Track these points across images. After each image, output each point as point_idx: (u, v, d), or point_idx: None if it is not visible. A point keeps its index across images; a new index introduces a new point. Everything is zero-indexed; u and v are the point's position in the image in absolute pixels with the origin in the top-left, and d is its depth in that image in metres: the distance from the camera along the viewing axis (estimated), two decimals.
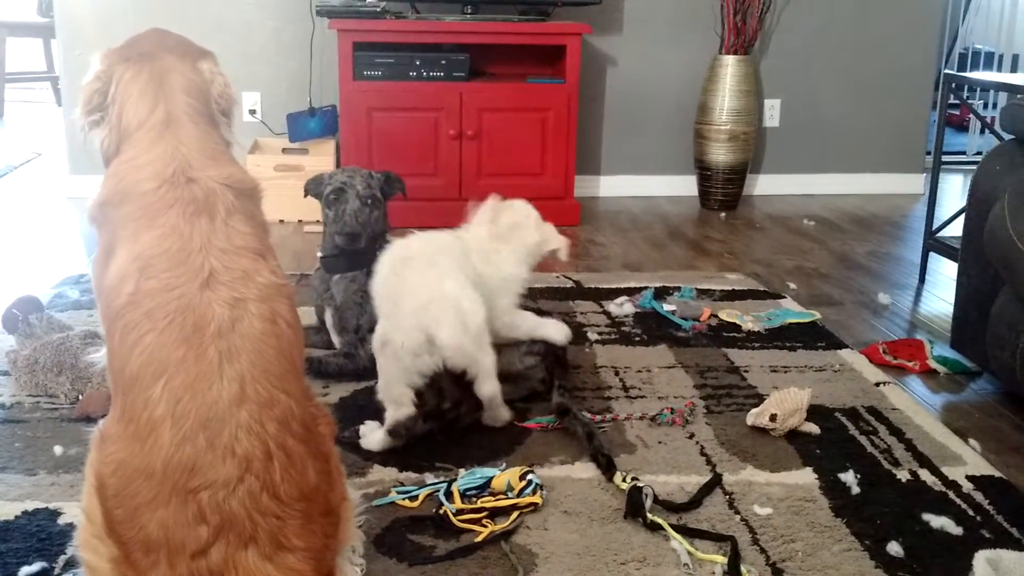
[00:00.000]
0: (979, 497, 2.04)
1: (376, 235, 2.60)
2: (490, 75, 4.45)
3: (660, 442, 2.25)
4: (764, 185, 5.09)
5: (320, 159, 4.28)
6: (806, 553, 1.83)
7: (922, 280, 3.65)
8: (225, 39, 4.46)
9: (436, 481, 2.02)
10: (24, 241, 3.92)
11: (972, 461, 2.20)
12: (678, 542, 1.83)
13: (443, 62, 4.15)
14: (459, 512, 1.90)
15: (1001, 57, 6.69)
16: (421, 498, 1.96)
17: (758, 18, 4.65)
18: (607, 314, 3.11)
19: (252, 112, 4.59)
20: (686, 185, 4.95)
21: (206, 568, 1.34)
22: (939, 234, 3.56)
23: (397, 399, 2.12)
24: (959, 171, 5.77)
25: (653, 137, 4.94)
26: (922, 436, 2.31)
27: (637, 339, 2.90)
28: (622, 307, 3.14)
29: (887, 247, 4.13)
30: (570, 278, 3.49)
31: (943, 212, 3.73)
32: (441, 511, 1.90)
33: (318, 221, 4.13)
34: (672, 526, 1.87)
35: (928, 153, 5.21)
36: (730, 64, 4.61)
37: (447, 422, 2.21)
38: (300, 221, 4.23)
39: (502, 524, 1.88)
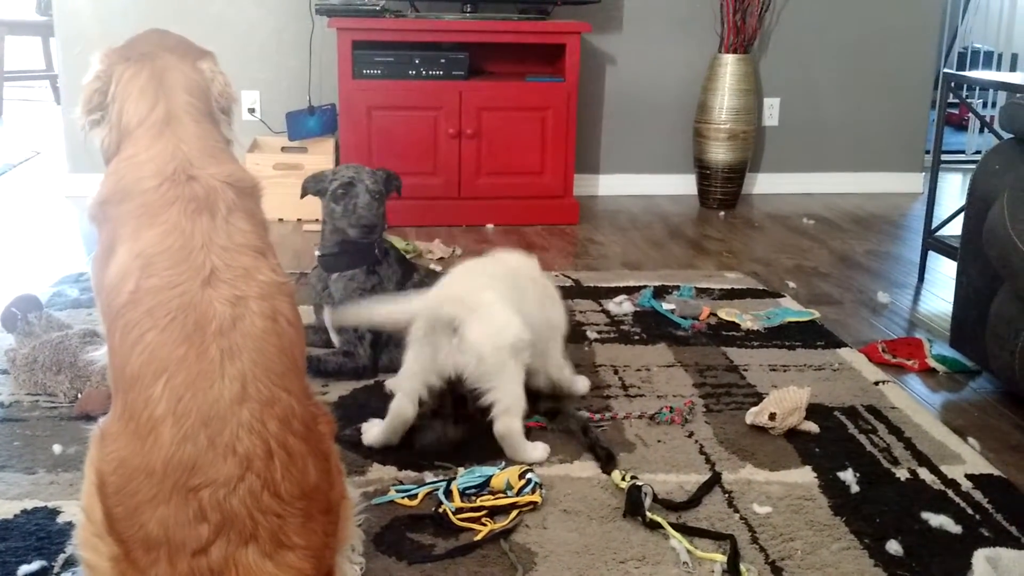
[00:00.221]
0: (978, 496, 2.04)
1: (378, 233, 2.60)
2: (489, 74, 4.45)
3: (659, 441, 2.25)
4: (763, 184, 5.09)
5: (319, 158, 4.28)
6: (805, 552, 1.83)
7: (921, 279, 3.65)
8: (225, 38, 4.46)
9: (435, 480, 2.02)
10: (23, 240, 3.92)
11: (971, 460, 2.20)
12: (677, 541, 1.83)
13: (442, 61, 4.15)
14: (458, 511, 1.90)
15: (1000, 56, 6.69)
16: (420, 497, 1.96)
17: (758, 17, 4.65)
18: (606, 313, 3.11)
19: (251, 111, 4.58)
20: (685, 184, 4.95)
21: (207, 566, 1.34)
22: (938, 233, 3.56)
23: (408, 392, 2.11)
24: (958, 170, 5.77)
25: (652, 136, 4.94)
26: (921, 435, 2.32)
27: (636, 338, 2.90)
28: (621, 306, 3.14)
29: (886, 246, 4.13)
30: (569, 277, 3.49)
31: (942, 211, 3.73)
32: (440, 510, 1.90)
33: (317, 220, 4.15)
34: (671, 525, 1.87)
35: (927, 152, 5.21)
36: (729, 63, 4.61)
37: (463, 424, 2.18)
38: (299, 220, 4.23)
39: (501, 523, 1.88)
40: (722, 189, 4.72)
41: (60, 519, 1.86)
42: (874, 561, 1.81)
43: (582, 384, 2.48)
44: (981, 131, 6.17)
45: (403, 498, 1.96)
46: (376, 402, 2.41)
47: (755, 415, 2.31)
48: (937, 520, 1.93)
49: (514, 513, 1.91)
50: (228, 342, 1.40)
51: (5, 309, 2.60)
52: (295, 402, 1.45)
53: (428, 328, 2.11)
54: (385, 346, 2.57)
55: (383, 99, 4.11)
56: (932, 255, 3.64)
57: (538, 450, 2.14)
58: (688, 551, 1.80)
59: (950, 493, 2.06)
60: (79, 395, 2.34)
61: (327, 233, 2.63)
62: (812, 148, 5.11)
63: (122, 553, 1.37)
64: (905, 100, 5.11)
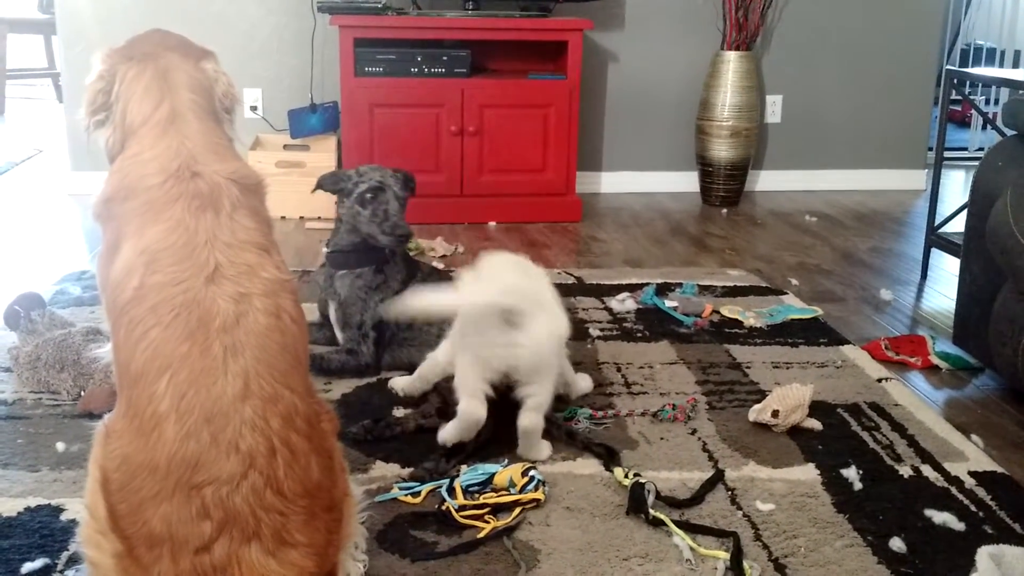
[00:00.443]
0: (981, 493, 2.04)
1: None
2: (491, 71, 4.45)
3: (662, 438, 2.25)
4: (766, 181, 5.09)
5: (321, 155, 4.28)
6: (808, 549, 1.83)
7: (924, 276, 3.64)
8: (227, 35, 4.46)
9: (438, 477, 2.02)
10: (26, 238, 3.92)
11: (974, 457, 2.20)
12: (680, 538, 1.83)
13: (444, 58, 4.14)
14: (461, 508, 1.90)
15: (1003, 53, 6.68)
16: (423, 494, 1.97)
17: (760, 14, 4.65)
18: (609, 310, 3.11)
19: (253, 108, 4.58)
20: (688, 181, 4.94)
21: (209, 564, 1.34)
22: (941, 230, 3.56)
23: (472, 393, 2.06)
24: (961, 167, 5.77)
25: (655, 133, 4.94)
26: (924, 432, 2.31)
27: (639, 335, 2.90)
28: (624, 303, 3.14)
29: (889, 243, 4.13)
30: (572, 274, 3.49)
31: (945, 208, 3.73)
32: (443, 507, 1.90)
33: (319, 217, 4.15)
34: (674, 522, 1.87)
35: (930, 149, 5.20)
36: (732, 60, 4.60)
37: (470, 452, 2.14)
38: (301, 217, 4.23)
39: (504, 520, 1.88)
40: (724, 186, 4.71)
41: (64, 517, 1.86)
42: (877, 558, 1.81)
43: (585, 383, 2.48)
44: (984, 128, 6.17)
45: (406, 495, 1.96)
46: (379, 400, 2.41)
47: (758, 412, 2.31)
48: (940, 517, 1.93)
49: (517, 510, 1.91)
50: (231, 339, 1.40)
51: (8, 307, 2.60)
52: (298, 399, 1.45)
53: (481, 320, 2.06)
54: (388, 344, 2.58)
55: (385, 96, 4.11)
56: (935, 252, 3.64)
57: (547, 449, 2.14)
58: (691, 548, 1.80)
59: (953, 490, 2.05)
60: (82, 393, 2.34)
61: (343, 232, 2.61)
62: (814, 145, 5.10)
63: (125, 550, 1.37)
64: (908, 97, 5.10)
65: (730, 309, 3.09)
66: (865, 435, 2.29)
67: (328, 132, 4.47)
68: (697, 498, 1.99)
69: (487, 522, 1.87)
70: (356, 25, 4.04)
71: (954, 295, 2.85)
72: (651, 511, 1.89)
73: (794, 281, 3.52)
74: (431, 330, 2.51)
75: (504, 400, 2.12)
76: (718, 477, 2.08)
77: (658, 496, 1.96)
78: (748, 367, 2.69)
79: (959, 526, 1.91)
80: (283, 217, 4.21)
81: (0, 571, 1.70)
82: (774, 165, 5.09)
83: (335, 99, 4.41)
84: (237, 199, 1.54)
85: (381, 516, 1.89)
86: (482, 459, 2.09)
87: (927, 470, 2.14)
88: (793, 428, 2.29)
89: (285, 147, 4.44)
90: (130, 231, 1.49)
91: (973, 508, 1.98)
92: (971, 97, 5.94)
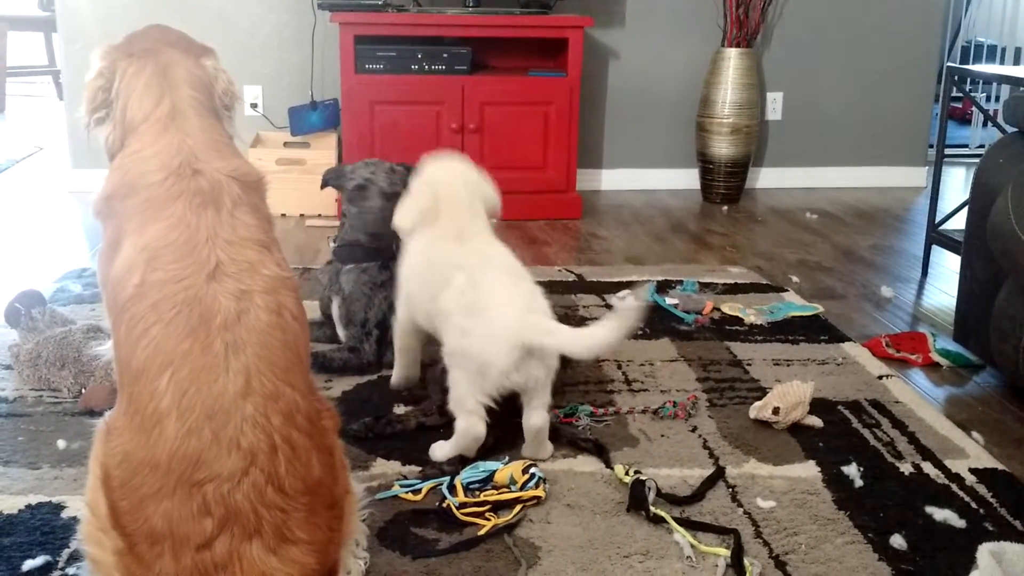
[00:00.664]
0: (982, 490, 2.04)
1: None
2: (492, 68, 4.45)
3: (663, 435, 2.25)
4: (766, 178, 5.09)
5: (322, 153, 4.28)
6: (809, 546, 1.83)
7: (925, 273, 3.64)
8: (227, 33, 4.45)
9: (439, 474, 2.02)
10: (26, 235, 3.92)
11: (975, 454, 2.20)
12: (681, 535, 1.83)
13: (445, 55, 4.14)
14: (462, 505, 1.90)
15: (1004, 50, 6.68)
16: (424, 491, 1.97)
17: (760, 11, 4.64)
18: (609, 307, 3.11)
19: (254, 106, 4.58)
20: (688, 178, 4.94)
21: (210, 560, 1.35)
22: (942, 227, 3.56)
23: (472, 410, 2.01)
24: (962, 164, 5.76)
25: (655, 130, 4.93)
26: (925, 429, 2.31)
27: (639, 333, 2.90)
28: (624, 300, 3.14)
29: (890, 240, 4.13)
30: (572, 272, 3.48)
31: (946, 205, 3.73)
32: (444, 504, 1.90)
33: (320, 215, 4.15)
34: (675, 519, 1.87)
35: (931, 146, 5.20)
36: (732, 57, 4.60)
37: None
38: (302, 215, 4.23)
39: (505, 517, 1.88)
40: (725, 183, 4.71)
41: (64, 514, 1.86)
42: (878, 555, 1.81)
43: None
44: (984, 125, 6.16)
45: (407, 493, 1.96)
46: (380, 398, 2.41)
47: (759, 409, 2.31)
48: (941, 514, 1.93)
49: (518, 508, 1.91)
50: (233, 336, 1.40)
51: (9, 305, 2.60)
52: (299, 397, 1.45)
53: (498, 368, 1.99)
54: (390, 343, 2.57)
55: (386, 94, 4.11)
56: (936, 249, 3.64)
57: (551, 447, 2.13)
58: (692, 545, 1.80)
59: (954, 487, 2.05)
60: (83, 390, 2.34)
61: (347, 227, 2.62)
62: (815, 142, 5.10)
63: (126, 547, 1.37)
64: (908, 94, 5.10)
65: (731, 306, 3.09)
66: (866, 432, 2.29)
67: (329, 129, 4.47)
68: (698, 495, 1.99)
69: (488, 519, 1.87)
70: (356, 22, 4.04)
71: (955, 292, 2.85)
72: (652, 508, 1.89)
73: (795, 278, 3.52)
74: None
75: (506, 400, 2.12)
76: (719, 474, 2.08)
77: (659, 493, 1.96)
78: (749, 364, 2.68)
79: (960, 523, 1.91)
80: (283, 214, 4.21)
81: (1, 568, 1.70)
82: (775, 162, 5.08)
83: (335, 96, 4.41)
84: (238, 196, 1.54)
85: (382, 513, 1.89)
86: (483, 457, 2.09)
87: (928, 467, 2.14)
88: (794, 425, 2.29)
89: (285, 144, 4.43)
90: (131, 228, 1.49)
91: (974, 505, 1.98)
92: (972, 94, 5.94)
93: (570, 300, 3.17)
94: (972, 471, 2.12)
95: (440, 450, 2.08)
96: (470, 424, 2.02)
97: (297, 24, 4.53)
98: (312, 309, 2.71)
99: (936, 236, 3.56)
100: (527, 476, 1.96)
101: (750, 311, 3.05)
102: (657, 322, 2.98)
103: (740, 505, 1.97)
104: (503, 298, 2.04)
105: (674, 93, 4.90)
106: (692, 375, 2.60)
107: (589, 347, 1.99)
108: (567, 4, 4.52)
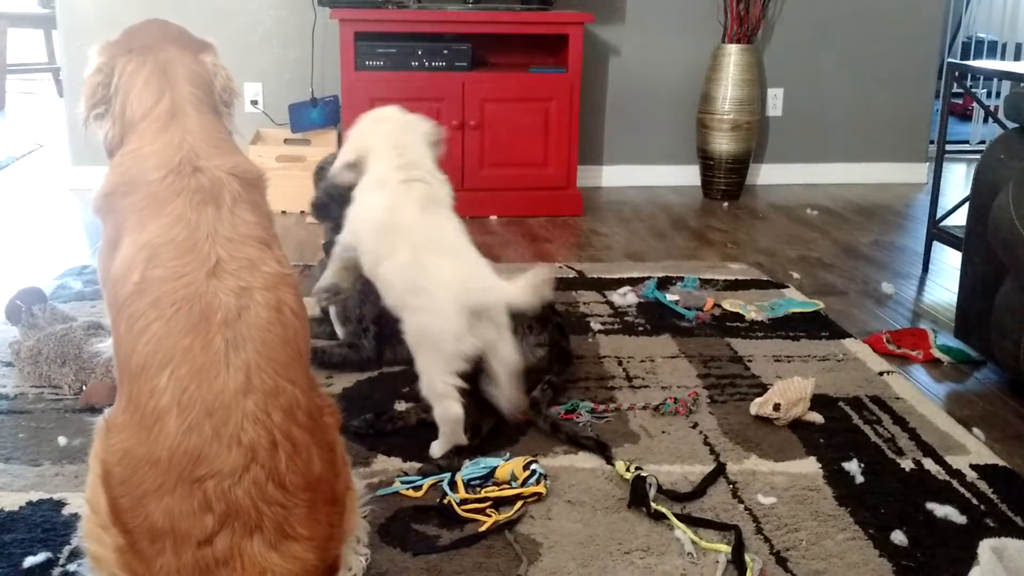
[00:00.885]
0: (983, 486, 2.04)
1: None
2: (492, 65, 4.44)
3: (664, 432, 2.25)
4: (767, 175, 5.08)
5: (322, 149, 4.27)
6: (810, 542, 1.83)
7: (926, 269, 3.64)
8: (227, 29, 4.45)
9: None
10: (27, 232, 3.92)
11: (976, 450, 2.20)
12: (682, 531, 1.83)
13: (445, 52, 4.14)
14: (463, 502, 1.90)
15: (1004, 46, 6.67)
16: (425, 488, 1.97)
17: (761, 7, 4.64)
18: (610, 304, 3.11)
19: (254, 103, 4.58)
20: (689, 175, 4.94)
21: (211, 556, 1.35)
22: (943, 223, 3.55)
23: (443, 392, 2.00)
24: (962, 160, 5.76)
25: (656, 127, 4.93)
26: (926, 425, 2.31)
27: (640, 329, 2.90)
28: (625, 297, 3.14)
29: (891, 236, 4.13)
30: (573, 268, 3.48)
31: (947, 201, 3.72)
32: (445, 501, 1.90)
33: None
34: (676, 515, 1.87)
35: (932, 142, 5.20)
36: (733, 53, 4.59)
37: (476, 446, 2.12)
38: (302, 212, 4.23)
39: (506, 514, 1.88)
40: (726, 180, 4.71)
41: (65, 511, 1.86)
42: (879, 551, 1.81)
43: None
44: (985, 121, 6.16)
45: (408, 489, 1.96)
46: (380, 394, 2.41)
47: (759, 406, 2.31)
48: (942, 510, 1.93)
49: (519, 504, 1.91)
50: (233, 333, 1.40)
51: (9, 302, 2.60)
52: (299, 393, 1.45)
53: (448, 332, 1.99)
54: (389, 339, 2.57)
55: (386, 90, 4.10)
56: (936, 245, 3.63)
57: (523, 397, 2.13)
58: (693, 542, 1.80)
59: (955, 483, 2.05)
60: (84, 387, 2.34)
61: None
62: (816, 138, 5.10)
63: (127, 544, 1.37)
64: (909, 90, 5.09)
65: (731, 303, 3.09)
66: (867, 428, 2.29)
67: (329, 126, 4.47)
68: (698, 491, 1.99)
69: (489, 516, 1.87)
70: (357, 19, 4.04)
71: (955, 288, 2.84)
72: (653, 504, 1.89)
73: (795, 275, 3.52)
74: None
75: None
76: (719, 470, 2.08)
77: (659, 489, 1.96)
78: (749, 361, 2.68)
79: (961, 519, 1.91)
80: (284, 211, 4.21)
81: (2, 565, 1.70)
82: (775, 158, 5.08)
83: (336, 93, 4.41)
84: (238, 193, 1.54)
85: (383, 510, 1.89)
86: (484, 453, 2.09)
87: (928, 463, 2.14)
88: (794, 421, 2.29)
89: (286, 141, 4.43)
90: (131, 226, 1.49)
91: (975, 501, 1.98)
92: (972, 90, 5.92)
93: (571, 297, 3.16)
94: (973, 467, 2.12)
95: (436, 448, 2.08)
96: (445, 408, 2.01)
97: (297, 21, 4.53)
98: (312, 306, 2.71)
99: (937, 232, 3.55)
100: (528, 472, 1.96)
101: (751, 307, 3.05)
102: (658, 318, 2.98)
103: (741, 501, 1.97)
104: (445, 274, 2.02)
105: (675, 89, 4.89)
106: (693, 371, 2.60)
107: (527, 292, 1.98)
108: (567, 0, 4.51)
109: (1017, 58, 6.64)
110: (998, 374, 2.67)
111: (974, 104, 5.86)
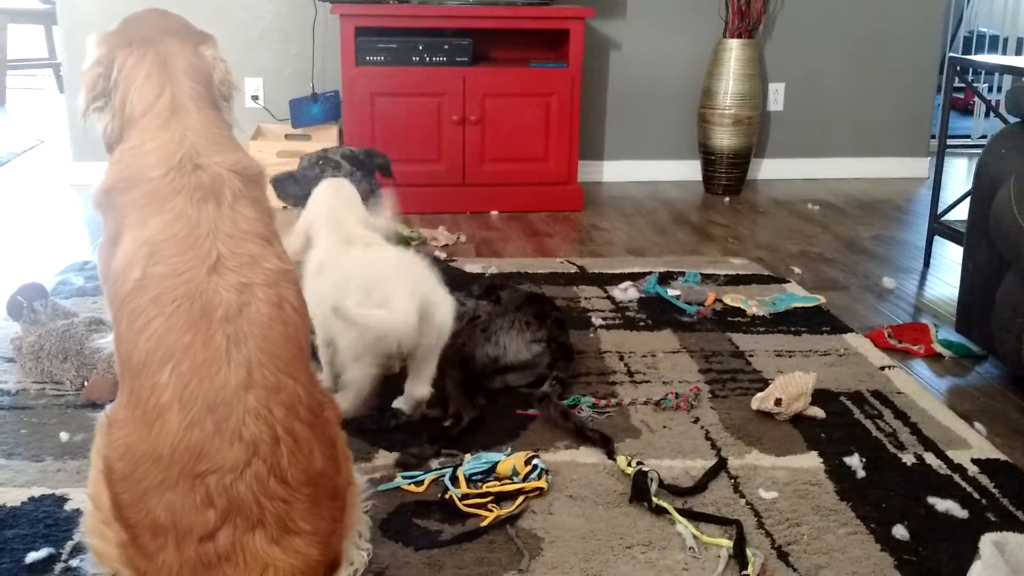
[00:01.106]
0: (984, 480, 2.04)
1: None
2: (493, 60, 4.44)
3: (665, 427, 2.25)
4: (768, 169, 5.08)
5: (323, 145, 4.27)
6: (811, 537, 1.83)
7: (927, 264, 3.64)
8: (227, 25, 4.44)
9: (442, 466, 2.03)
10: (28, 228, 3.92)
11: (977, 444, 2.20)
12: (683, 526, 1.83)
13: (446, 47, 4.13)
14: (465, 497, 1.90)
15: (1006, 40, 6.66)
16: (427, 483, 1.97)
17: (762, 1, 4.63)
18: (611, 299, 3.11)
19: (254, 98, 4.58)
20: (690, 170, 4.93)
21: (213, 552, 1.35)
22: (944, 218, 3.55)
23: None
24: (964, 155, 5.75)
25: (657, 122, 4.93)
26: (927, 420, 2.31)
27: (642, 324, 2.90)
28: (626, 292, 3.14)
29: (892, 231, 4.12)
30: (574, 263, 3.48)
31: (948, 196, 3.72)
32: (447, 496, 1.91)
33: None
34: (677, 510, 1.87)
35: (933, 137, 5.19)
36: (734, 48, 4.59)
37: (453, 436, 2.15)
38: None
39: (507, 509, 1.88)
40: (727, 175, 4.71)
41: (67, 506, 1.86)
42: (880, 546, 1.81)
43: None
44: (987, 115, 6.15)
45: (409, 484, 1.97)
46: (382, 391, 2.40)
47: (761, 400, 2.31)
48: (943, 505, 1.94)
49: (520, 499, 1.91)
50: (234, 329, 1.40)
51: (11, 298, 2.60)
52: (301, 389, 1.45)
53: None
54: None
55: (387, 85, 4.10)
56: (938, 240, 3.63)
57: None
58: (694, 536, 1.81)
59: (956, 478, 2.05)
60: (85, 383, 2.34)
61: None
62: (817, 133, 5.09)
63: (129, 539, 1.38)
64: (911, 85, 5.08)
65: (733, 297, 3.09)
66: (868, 423, 2.29)
67: (330, 122, 4.46)
68: (700, 486, 1.99)
69: (490, 511, 1.87)
70: (357, 14, 4.03)
71: (957, 283, 2.84)
72: (654, 499, 1.89)
73: (797, 269, 3.52)
74: None
75: (490, 388, 2.20)
76: (721, 465, 2.08)
77: (661, 484, 1.96)
78: (751, 355, 2.68)
79: (962, 513, 1.91)
80: (284, 207, 4.20)
81: (5, 561, 1.70)
82: (776, 153, 5.08)
83: (336, 88, 4.41)
84: (239, 190, 1.54)
85: (385, 505, 1.89)
86: (485, 447, 2.09)
87: (930, 458, 2.14)
88: (796, 416, 2.29)
89: (287, 137, 4.43)
90: (131, 222, 1.49)
91: (976, 495, 1.99)
92: (974, 84, 5.92)
93: (572, 292, 3.16)
94: (974, 461, 2.12)
95: (343, 401, 2.13)
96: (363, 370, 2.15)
97: (298, 16, 4.52)
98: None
99: (938, 227, 3.55)
100: (529, 467, 1.96)
101: (752, 302, 3.05)
102: (659, 313, 2.98)
103: (742, 496, 1.97)
104: (397, 288, 2.12)
105: (676, 84, 4.88)
106: (694, 366, 2.60)
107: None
108: None
109: (1018, 53, 6.62)
110: (999, 368, 2.67)
111: (975, 99, 5.85)
